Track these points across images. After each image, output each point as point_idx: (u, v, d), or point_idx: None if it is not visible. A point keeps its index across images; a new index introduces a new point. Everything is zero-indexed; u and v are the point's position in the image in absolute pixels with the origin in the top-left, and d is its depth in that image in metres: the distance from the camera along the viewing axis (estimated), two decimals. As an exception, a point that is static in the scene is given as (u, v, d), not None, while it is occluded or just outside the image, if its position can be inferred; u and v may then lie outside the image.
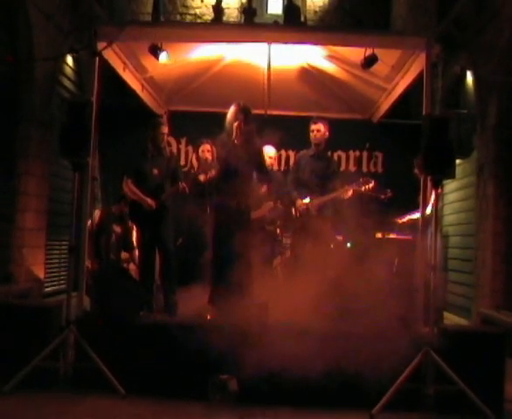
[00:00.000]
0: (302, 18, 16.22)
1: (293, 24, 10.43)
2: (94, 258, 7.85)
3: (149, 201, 7.31)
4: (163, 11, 16.61)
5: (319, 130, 7.66)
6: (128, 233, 8.51)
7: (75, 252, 6.19)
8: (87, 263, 7.59)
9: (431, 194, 6.57)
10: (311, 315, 5.97)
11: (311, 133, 7.71)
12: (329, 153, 8.63)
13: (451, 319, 9.97)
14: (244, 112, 6.86)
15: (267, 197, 7.85)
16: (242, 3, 16.82)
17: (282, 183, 8.17)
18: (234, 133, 6.77)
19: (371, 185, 7.58)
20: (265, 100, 7.41)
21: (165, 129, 7.61)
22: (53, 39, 9.18)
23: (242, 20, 16.09)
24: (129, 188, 7.50)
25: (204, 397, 5.56)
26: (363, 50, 7.02)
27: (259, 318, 5.96)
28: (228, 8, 17.06)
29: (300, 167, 7.86)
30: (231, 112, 6.90)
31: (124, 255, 8.53)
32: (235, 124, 6.76)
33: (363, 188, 7.54)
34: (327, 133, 7.71)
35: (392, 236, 7.79)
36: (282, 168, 9.58)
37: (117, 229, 8.46)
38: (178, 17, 17.47)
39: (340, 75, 8.47)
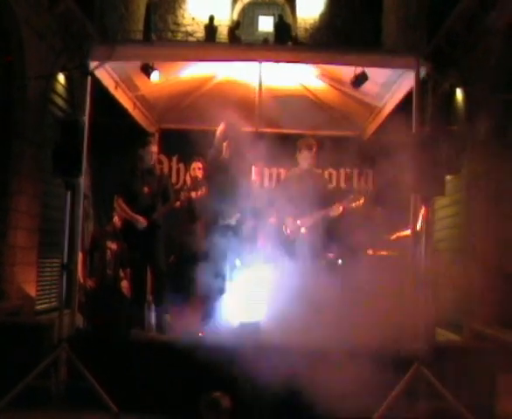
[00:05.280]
0: (293, 36, 16.37)
1: (283, 42, 10.49)
2: (90, 277, 7.84)
3: (140, 219, 7.33)
4: (155, 29, 16.74)
5: (313, 156, 7.56)
6: (124, 250, 8.49)
7: (67, 270, 6.19)
8: (85, 281, 7.60)
9: (421, 211, 6.60)
10: (303, 333, 5.98)
11: (305, 154, 7.54)
12: (320, 170, 8.66)
13: (442, 334, 9.98)
14: (233, 129, 6.88)
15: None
16: (233, 21, 16.97)
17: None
18: (224, 151, 6.80)
19: (361, 201, 7.58)
20: (256, 118, 7.45)
21: (154, 148, 7.65)
22: (46, 58, 9.21)
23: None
24: (120, 206, 7.53)
25: (196, 415, 5.54)
26: (354, 68, 7.08)
27: (251, 336, 5.97)
28: (220, 25, 17.18)
29: (289, 185, 7.83)
30: (220, 130, 6.93)
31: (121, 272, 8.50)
32: (224, 143, 6.79)
33: (353, 205, 7.53)
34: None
35: (383, 252, 7.82)
36: (273, 186, 9.59)
37: (112, 246, 8.44)
38: (169, 35, 17.60)
39: (330, 93, 8.52)
